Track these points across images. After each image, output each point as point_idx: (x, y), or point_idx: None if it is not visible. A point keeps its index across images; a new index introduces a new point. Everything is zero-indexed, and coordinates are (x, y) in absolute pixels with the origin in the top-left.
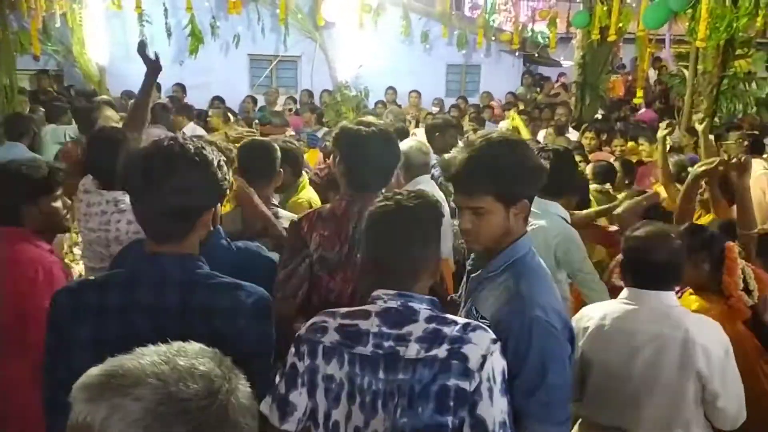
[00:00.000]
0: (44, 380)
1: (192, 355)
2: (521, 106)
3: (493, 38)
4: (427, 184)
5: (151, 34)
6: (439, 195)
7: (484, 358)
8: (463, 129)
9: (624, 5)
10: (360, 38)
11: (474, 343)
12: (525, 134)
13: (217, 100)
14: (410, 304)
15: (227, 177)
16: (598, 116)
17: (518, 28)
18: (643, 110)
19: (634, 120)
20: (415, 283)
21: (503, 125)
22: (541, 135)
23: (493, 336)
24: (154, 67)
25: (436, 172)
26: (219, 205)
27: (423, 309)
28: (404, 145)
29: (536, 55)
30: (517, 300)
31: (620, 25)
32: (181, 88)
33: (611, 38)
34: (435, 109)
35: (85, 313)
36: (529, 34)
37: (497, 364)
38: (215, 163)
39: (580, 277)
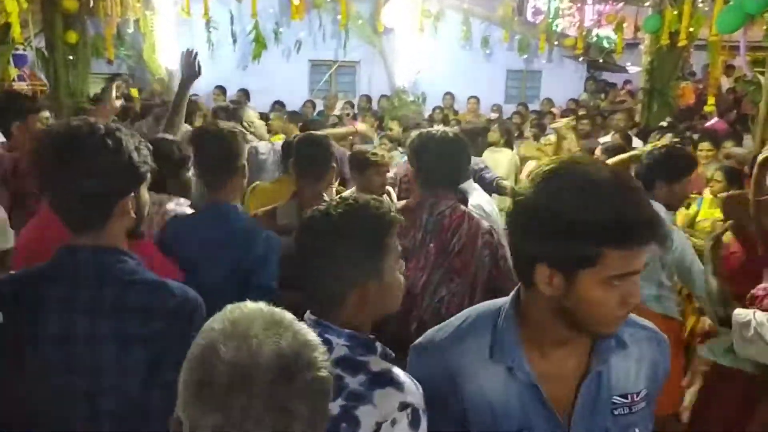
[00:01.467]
0: None
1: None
2: (582, 113)
3: (555, 43)
4: (472, 190)
5: (217, 39)
6: (485, 199)
7: (379, 426)
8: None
9: (696, 9)
10: (419, 43)
11: (373, 404)
12: (573, 144)
13: (278, 104)
14: (326, 335)
15: (147, 161)
16: (663, 123)
17: (582, 33)
18: (714, 120)
19: (702, 129)
20: (337, 309)
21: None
22: (604, 141)
23: (406, 399)
24: (191, 74)
25: (487, 174)
26: (141, 191)
27: (338, 345)
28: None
29: (601, 60)
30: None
31: (691, 29)
32: (244, 93)
33: (681, 43)
34: (494, 116)
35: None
36: (594, 39)
37: None
38: (130, 146)
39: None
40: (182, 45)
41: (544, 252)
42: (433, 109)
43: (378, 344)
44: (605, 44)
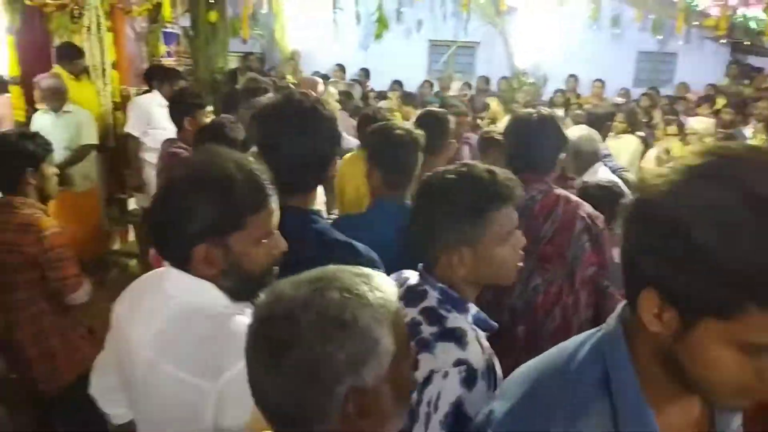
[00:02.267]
0: None
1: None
2: (722, 100)
3: (695, 23)
4: (603, 173)
5: (342, 20)
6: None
7: (431, 374)
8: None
9: None
10: (542, 23)
11: (433, 354)
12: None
13: (396, 84)
14: (424, 285)
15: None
16: None
17: (726, 13)
18: None
19: None
20: (433, 266)
21: (696, 123)
22: (747, 131)
23: (463, 356)
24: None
25: (609, 163)
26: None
27: (431, 295)
28: (572, 134)
29: (746, 43)
30: None
31: None
32: (364, 72)
33: None
34: (620, 100)
35: None
36: (740, 19)
37: (447, 390)
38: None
39: None
40: (308, 25)
41: (660, 275)
42: (555, 92)
43: (472, 307)
44: (752, 25)
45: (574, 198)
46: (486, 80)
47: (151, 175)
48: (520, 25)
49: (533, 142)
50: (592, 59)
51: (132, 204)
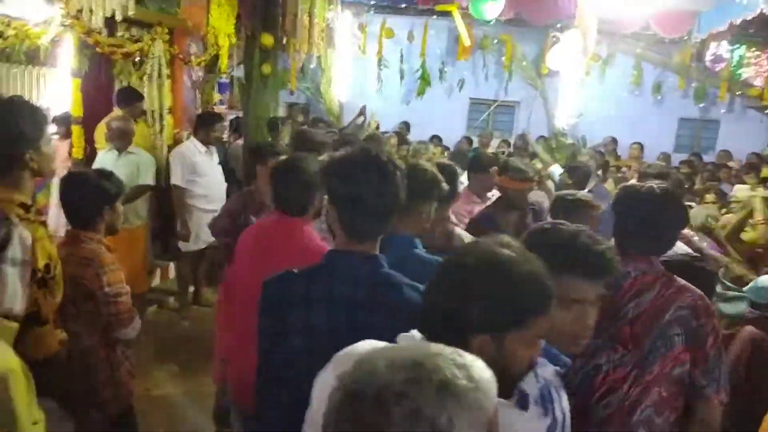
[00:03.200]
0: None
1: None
2: (767, 169)
3: (738, 93)
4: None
5: (386, 76)
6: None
7: None
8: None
9: None
10: (584, 87)
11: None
12: (759, 215)
13: (436, 138)
14: None
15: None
16: None
17: None
18: None
19: None
20: None
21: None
22: None
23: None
24: None
25: None
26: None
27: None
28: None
29: None
30: None
31: None
32: (405, 125)
33: None
34: (662, 165)
35: (293, 300)
36: None
37: None
38: (401, 173)
39: None
40: (354, 80)
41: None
42: (594, 151)
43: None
44: None
45: (680, 283)
46: (525, 138)
47: (202, 220)
48: (561, 86)
49: (651, 220)
50: (633, 124)
51: (181, 246)
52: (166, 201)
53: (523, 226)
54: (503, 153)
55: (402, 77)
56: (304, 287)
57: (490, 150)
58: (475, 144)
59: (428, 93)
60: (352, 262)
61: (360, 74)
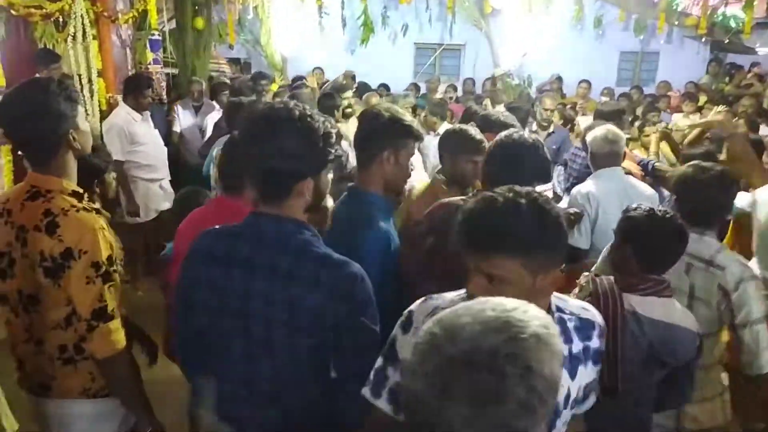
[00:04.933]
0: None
1: None
2: (704, 98)
3: (676, 23)
4: (600, 179)
5: (328, 24)
6: (617, 194)
7: None
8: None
9: None
10: (527, 25)
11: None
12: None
13: (383, 87)
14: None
15: (333, 149)
16: None
17: (707, 12)
18: None
19: None
20: None
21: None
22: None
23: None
24: None
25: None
26: (322, 176)
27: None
28: (591, 134)
29: (726, 41)
30: None
31: None
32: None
33: None
34: (604, 100)
35: (203, 259)
36: (719, 18)
37: None
38: (320, 132)
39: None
40: (295, 31)
41: None
42: (541, 92)
43: None
44: (732, 24)
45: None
46: (472, 82)
47: (149, 191)
48: (504, 26)
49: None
50: (576, 60)
51: (128, 219)
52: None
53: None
54: (451, 98)
55: (344, 25)
56: (225, 246)
57: (438, 95)
58: (423, 90)
59: (372, 40)
60: (273, 227)
61: (301, 24)
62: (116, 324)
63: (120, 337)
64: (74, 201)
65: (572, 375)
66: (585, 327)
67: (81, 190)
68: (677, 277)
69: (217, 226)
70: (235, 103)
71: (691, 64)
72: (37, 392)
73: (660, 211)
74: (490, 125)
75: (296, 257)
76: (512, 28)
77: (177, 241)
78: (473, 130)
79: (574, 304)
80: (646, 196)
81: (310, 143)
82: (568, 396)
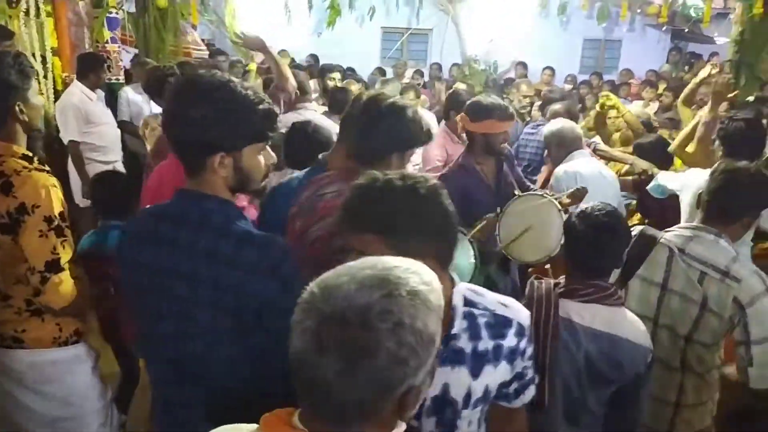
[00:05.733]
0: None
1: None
2: (663, 85)
3: (638, 11)
4: (580, 159)
5: (294, 6)
6: (597, 173)
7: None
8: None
9: None
10: (493, 11)
11: None
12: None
13: (349, 71)
14: None
15: (265, 128)
16: (750, 98)
17: (668, 1)
18: None
19: None
20: None
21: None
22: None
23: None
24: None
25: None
26: (246, 153)
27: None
28: (554, 124)
29: (686, 30)
30: None
31: None
32: (313, 58)
33: None
34: (568, 87)
35: (135, 240)
36: (680, 7)
37: None
38: (243, 105)
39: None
40: (260, 12)
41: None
42: (505, 80)
43: None
44: (692, 13)
45: None
46: (439, 67)
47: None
48: (471, 12)
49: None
50: (541, 46)
51: (80, 203)
52: (59, 155)
53: (501, 175)
54: (418, 84)
55: (310, 6)
56: (153, 225)
57: (405, 80)
58: (390, 75)
59: (339, 24)
60: (195, 204)
61: (266, 4)
62: (66, 275)
63: (69, 288)
64: (25, 163)
65: (475, 374)
66: (498, 324)
67: (31, 154)
68: (690, 286)
69: (148, 206)
70: (154, 70)
71: (653, 53)
72: (9, 345)
73: (592, 208)
74: (485, 112)
75: (218, 235)
76: (479, 13)
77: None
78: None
79: (491, 299)
80: (612, 178)
81: (224, 115)
82: (468, 395)
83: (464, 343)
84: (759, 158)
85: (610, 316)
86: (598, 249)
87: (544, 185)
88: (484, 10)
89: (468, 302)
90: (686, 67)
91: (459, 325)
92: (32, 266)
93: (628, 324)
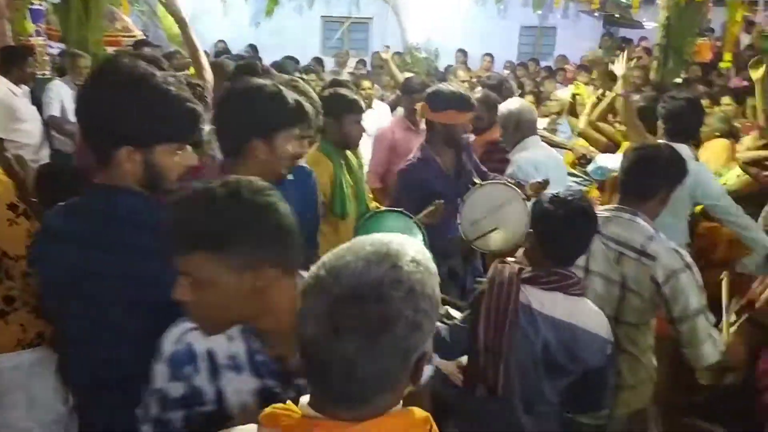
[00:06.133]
0: None
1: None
2: (595, 71)
3: None
4: (535, 147)
5: None
6: (553, 159)
7: None
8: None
9: None
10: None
11: None
12: (588, 102)
13: (291, 60)
14: None
15: (187, 127)
16: (678, 80)
17: None
18: (734, 79)
19: (722, 85)
20: None
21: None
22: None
23: None
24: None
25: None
26: (157, 151)
27: None
28: (512, 104)
29: (617, 16)
30: None
31: None
32: (252, 49)
33: None
34: (506, 73)
35: (46, 237)
36: None
37: None
38: (164, 100)
39: None
40: (195, 1)
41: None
42: (446, 68)
43: None
44: None
45: None
46: (380, 56)
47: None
48: (411, 0)
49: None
50: (480, 34)
51: None
52: None
53: (461, 165)
54: (362, 74)
55: None
56: (62, 221)
57: (348, 70)
58: (331, 65)
59: (278, 13)
60: (104, 198)
61: None
62: None
63: None
64: None
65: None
66: None
67: None
68: (609, 267)
69: (61, 203)
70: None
71: (586, 39)
72: None
73: (564, 194)
74: (445, 101)
75: (131, 228)
76: (418, 1)
77: None
78: (347, 90)
79: None
80: (561, 161)
81: (136, 107)
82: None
83: None
84: (696, 137)
85: (571, 305)
86: (573, 234)
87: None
88: None
89: None
90: (618, 52)
91: None
92: (15, 255)
93: (588, 314)
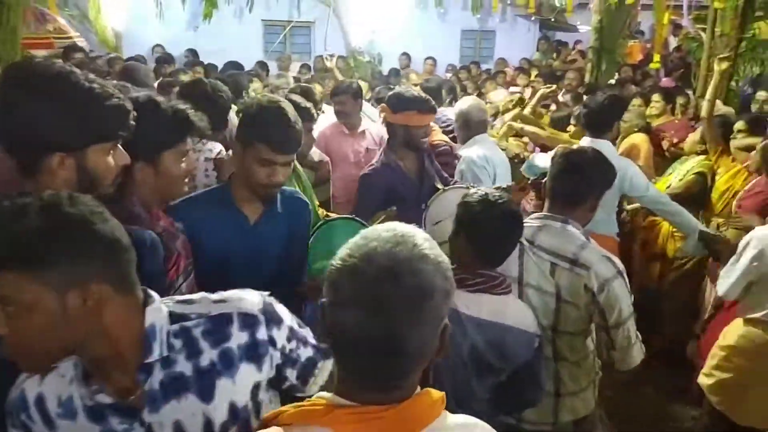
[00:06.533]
0: None
1: None
2: (534, 72)
3: (508, 2)
4: (484, 144)
5: None
6: (500, 155)
7: None
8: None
9: None
10: (373, 3)
11: None
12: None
13: (232, 65)
14: None
15: (114, 123)
16: (612, 81)
17: None
18: (663, 79)
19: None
20: None
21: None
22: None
23: None
24: None
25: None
26: (90, 155)
27: None
28: (464, 103)
29: (552, 20)
30: None
31: None
32: (192, 53)
33: (629, 1)
34: (449, 76)
35: None
36: None
37: None
38: (89, 98)
39: None
40: (129, 4)
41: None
42: (390, 71)
43: None
44: (556, 3)
45: None
46: (323, 60)
47: None
48: (352, 4)
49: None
50: (422, 38)
51: None
52: None
53: (424, 170)
54: (306, 79)
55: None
56: None
57: (292, 74)
58: (274, 68)
59: (217, 16)
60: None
61: None
62: None
63: None
64: None
65: (205, 397)
66: (217, 326)
67: None
68: (543, 279)
69: None
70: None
71: (524, 42)
72: None
73: (493, 195)
74: (406, 103)
75: None
76: (359, 5)
77: None
78: (300, 98)
79: (205, 301)
80: (506, 158)
81: (62, 110)
82: (209, 424)
83: (183, 366)
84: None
85: (497, 305)
86: (504, 237)
87: None
88: (364, 2)
89: (177, 317)
90: (554, 55)
91: (161, 348)
92: None
93: (514, 311)
